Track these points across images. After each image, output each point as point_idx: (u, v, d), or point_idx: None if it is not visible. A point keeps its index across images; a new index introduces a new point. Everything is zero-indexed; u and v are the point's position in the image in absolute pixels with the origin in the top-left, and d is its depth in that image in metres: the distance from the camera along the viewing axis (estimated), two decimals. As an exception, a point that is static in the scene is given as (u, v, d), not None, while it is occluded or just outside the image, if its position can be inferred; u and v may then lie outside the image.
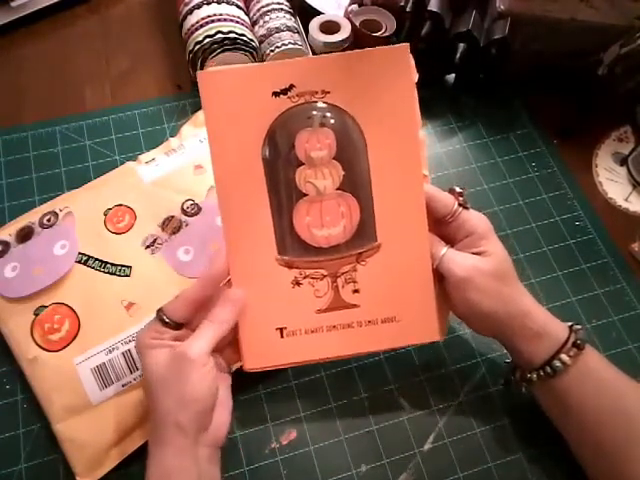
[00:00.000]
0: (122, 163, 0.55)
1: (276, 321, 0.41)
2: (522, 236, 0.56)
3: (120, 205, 0.50)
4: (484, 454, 0.45)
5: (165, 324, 0.39)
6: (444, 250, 0.41)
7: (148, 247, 0.48)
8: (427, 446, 0.46)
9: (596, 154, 0.61)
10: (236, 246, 0.40)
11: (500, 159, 0.61)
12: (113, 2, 0.71)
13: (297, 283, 0.41)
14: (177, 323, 0.39)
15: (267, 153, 0.40)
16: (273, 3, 0.63)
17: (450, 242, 0.43)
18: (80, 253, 0.47)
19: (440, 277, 0.42)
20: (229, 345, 0.42)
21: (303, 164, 0.40)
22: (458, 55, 0.62)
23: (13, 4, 0.64)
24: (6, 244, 0.48)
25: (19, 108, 0.62)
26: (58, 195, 0.52)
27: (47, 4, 0.67)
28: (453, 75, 0.65)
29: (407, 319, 0.42)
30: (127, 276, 0.47)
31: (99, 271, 0.47)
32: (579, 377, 0.40)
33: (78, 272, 0.47)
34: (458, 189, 0.43)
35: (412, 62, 0.41)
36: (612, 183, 0.60)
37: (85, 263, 0.47)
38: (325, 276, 0.41)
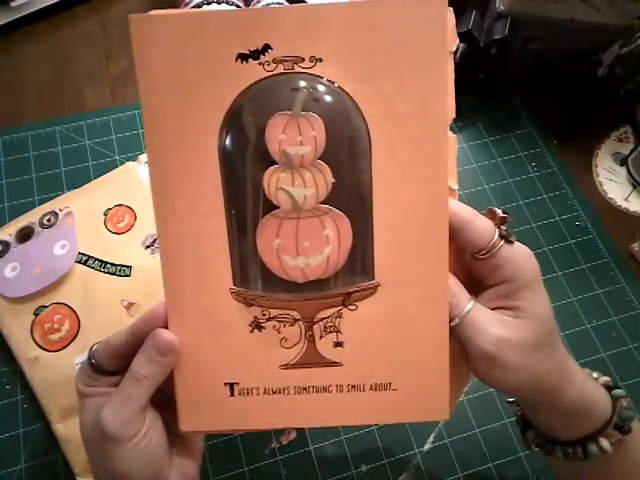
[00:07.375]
0: (122, 163, 0.55)
1: (226, 374, 0.31)
2: (522, 236, 0.54)
3: (120, 205, 0.50)
4: (484, 454, 0.45)
5: (95, 370, 0.31)
6: (468, 306, 0.30)
7: (148, 247, 0.48)
8: (427, 446, 0.46)
9: (596, 154, 0.61)
10: (174, 269, 0.30)
11: (500, 159, 0.61)
12: (113, 2, 0.71)
13: (258, 326, 0.30)
14: (108, 370, 0.31)
15: (226, 142, 0.29)
16: (273, 3, 0.63)
17: (477, 286, 0.32)
18: (80, 253, 0.47)
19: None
20: None
21: (276, 163, 0.29)
22: (458, 55, 0.62)
23: (13, 4, 0.64)
24: (6, 244, 0.48)
25: (19, 108, 0.62)
26: (58, 195, 0.52)
27: (47, 4, 0.67)
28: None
29: (406, 388, 0.31)
30: (127, 276, 0.47)
31: (99, 271, 0.47)
32: (617, 465, 0.33)
33: (78, 272, 0.47)
34: (500, 212, 0.31)
35: (452, 21, 0.28)
36: (612, 183, 0.60)
37: (85, 263, 0.47)
38: (297, 320, 0.30)
